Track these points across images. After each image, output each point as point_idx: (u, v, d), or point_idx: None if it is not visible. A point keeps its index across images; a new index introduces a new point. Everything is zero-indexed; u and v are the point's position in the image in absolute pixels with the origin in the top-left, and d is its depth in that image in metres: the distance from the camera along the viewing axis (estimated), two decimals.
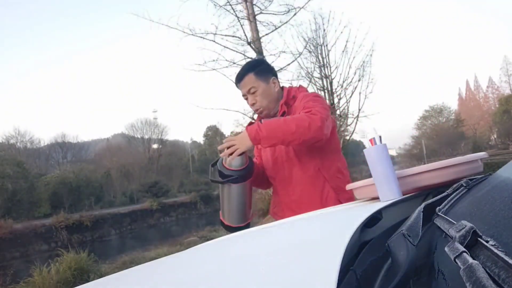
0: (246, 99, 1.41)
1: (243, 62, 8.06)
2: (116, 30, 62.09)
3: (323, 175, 1.32)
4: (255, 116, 1.54)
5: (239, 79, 1.42)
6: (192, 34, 7.54)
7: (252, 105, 1.39)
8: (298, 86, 1.47)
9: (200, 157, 36.40)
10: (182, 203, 22.49)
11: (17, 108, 48.13)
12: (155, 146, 32.24)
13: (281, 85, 1.45)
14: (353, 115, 10.58)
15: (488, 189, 0.47)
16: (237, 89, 1.47)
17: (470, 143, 24.51)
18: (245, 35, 8.03)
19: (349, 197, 1.23)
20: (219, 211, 1.46)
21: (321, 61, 10.57)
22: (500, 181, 0.46)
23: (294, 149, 1.34)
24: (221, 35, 7.79)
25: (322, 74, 10.60)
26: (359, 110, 10.06)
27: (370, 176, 0.81)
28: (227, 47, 7.87)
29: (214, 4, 7.81)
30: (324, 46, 10.54)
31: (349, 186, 0.94)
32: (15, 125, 26.66)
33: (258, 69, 1.41)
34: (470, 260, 0.23)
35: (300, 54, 8.99)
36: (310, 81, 10.08)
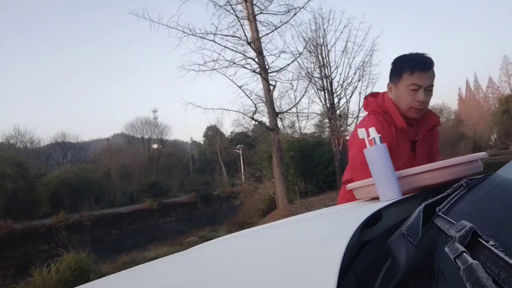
0: (414, 90, 1.16)
1: (243, 62, 8.09)
2: (116, 30, 62.09)
3: None
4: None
5: (430, 66, 1.17)
6: (192, 34, 7.56)
7: (421, 102, 1.17)
8: None
9: (200, 157, 36.40)
10: (182, 203, 22.48)
11: (17, 108, 48.12)
12: (155, 146, 32.23)
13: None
14: (353, 115, 10.60)
15: (488, 189, 0.47)
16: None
17: (470, 143, 24.47)
18: (245, 35, 8.04)
19: None
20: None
21: (321, 61, 10.59)
22: (500, 181, 0.46)
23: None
24: (221, 35, 7.81)
25: (322, 74, 10.61)
26: (359, 110, 10.07)
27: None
28: (227, 47, 7.89)
29: (214, 4, 7.83)
30: (324, 46, 10.57)
31: (349, 186, 0.94)
32: (15, 125, 26.48)
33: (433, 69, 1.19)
34: (470, 260, 0.23)
35: (300, 54, 9.01)
36: (310, 81, 10.10)
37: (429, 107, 1.30)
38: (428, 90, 1.17)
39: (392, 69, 1.25)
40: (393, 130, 1.22)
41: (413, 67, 1.16)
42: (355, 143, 1.21)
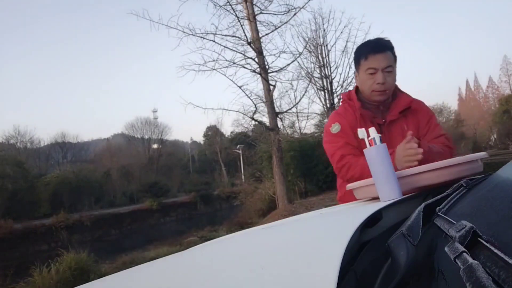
0: (372, 74, 1.22)
1: (243, 62, 8.08)
2: (116, 30, 62.09)
3: None
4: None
5: (383, 48, 1.21)
6: (192, 34, 7.55)
7: (382, 83, 1.20)
8: None
9: (200, 157, 36.40)
10: (182, 203, 22.49)
11: (17, 108, 48.15)
12: (155, 146, 32.23)
13: None
14: None
15: (488, 189, 0.47)
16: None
17: (470, 143, 24.46)
18: (245, 35, 8.03)
19: None
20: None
21: (321, 61, 10.56)
22: (500, 181, 0.46)
23: None
24: (221, 35, 7.80)
25: (322, 74, 10.59)
26: None
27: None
28: (227, 47, 7.88)
29: (214, 4, 7.82)
30: (324, 46, 10.54)
31: (349, 186, 0.94)
32: (15, 125, 26.48)
33: (394, 51, 1.24)
34: (470, 260, 0.23)
35: (300, 54, 8.99)
36: (310, 81, 10.08)
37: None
38: (387, 71, 1.21)
39: (353, 59, 1.32)
40: (358, 114, 1.28)
41: (367, 52, 1.24)
42: (325, 128, 1.36)
